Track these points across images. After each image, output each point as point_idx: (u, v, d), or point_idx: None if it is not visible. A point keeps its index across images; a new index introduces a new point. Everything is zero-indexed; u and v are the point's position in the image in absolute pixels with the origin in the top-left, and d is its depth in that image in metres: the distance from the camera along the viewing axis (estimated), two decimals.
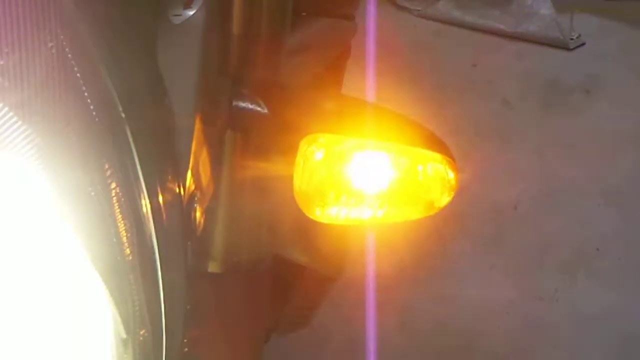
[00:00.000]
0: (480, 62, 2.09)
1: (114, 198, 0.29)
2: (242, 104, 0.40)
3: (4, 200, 0.26)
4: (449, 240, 1.70)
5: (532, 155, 1.83)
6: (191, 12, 0.37)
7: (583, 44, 2.02)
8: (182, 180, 0.35)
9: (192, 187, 0.36)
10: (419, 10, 2.19)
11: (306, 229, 0.54)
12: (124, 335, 0.29)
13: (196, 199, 0.36)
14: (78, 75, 0.28)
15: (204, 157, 0.38)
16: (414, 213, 0.53)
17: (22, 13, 0.26)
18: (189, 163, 0.35)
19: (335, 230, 0.59)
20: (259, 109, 0.41)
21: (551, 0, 2.03)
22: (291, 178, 0.43)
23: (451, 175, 0.52)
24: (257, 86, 0.43)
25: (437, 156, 0.50)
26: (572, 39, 2.01)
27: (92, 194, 0.27)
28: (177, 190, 0.35)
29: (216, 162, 0.41)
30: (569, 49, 2.02)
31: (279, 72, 0.49)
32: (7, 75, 0.27)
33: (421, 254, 1.65)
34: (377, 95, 1.44)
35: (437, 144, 0.51)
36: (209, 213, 0.39)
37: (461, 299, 1.59)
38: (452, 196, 0.53)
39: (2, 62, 0.26)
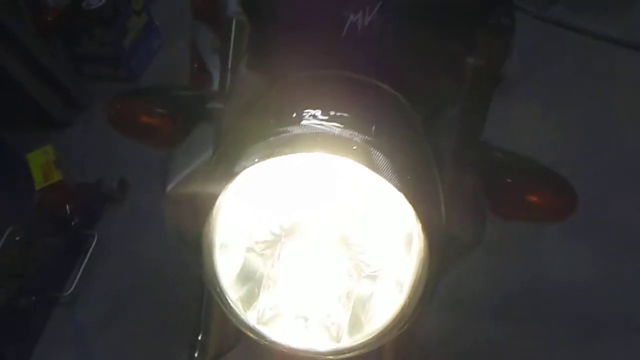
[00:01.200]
0: (587, 65, 2.34)
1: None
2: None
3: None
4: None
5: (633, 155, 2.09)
6: None
7: None
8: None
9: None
10: (533, 12, 2.44)
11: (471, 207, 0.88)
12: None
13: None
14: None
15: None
16: (552, 219, 0.89)
17: None
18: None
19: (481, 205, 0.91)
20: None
21: None
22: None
23: (570, 202, 0.88)
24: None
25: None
26: None
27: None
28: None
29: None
30: None
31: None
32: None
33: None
34: None
35: (564, 186, 0.86)
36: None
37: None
38: (572, 213, 0.88)
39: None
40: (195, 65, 0.99)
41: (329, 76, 0.67)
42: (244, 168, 0.63)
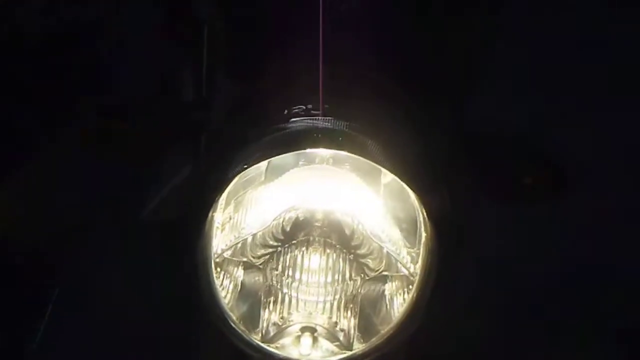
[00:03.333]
0: None
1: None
2: None
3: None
4: None
5: None
6: None
7: None
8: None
9: None
10: None
11: None
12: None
13: None
14: None
15: None
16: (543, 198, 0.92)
17: None
18: None
19: None
20: None
21: None
22: None
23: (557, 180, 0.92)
24: None
25: None
26: None
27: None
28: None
29: None
30: None
31: None
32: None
33: None
34: None
35: (553, 165, 0.90)
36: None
37: None
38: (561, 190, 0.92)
39: None
40: (170, 75, 0.97)
41: (312, 69, 0.66)
42: (235, 175, 0.62)
